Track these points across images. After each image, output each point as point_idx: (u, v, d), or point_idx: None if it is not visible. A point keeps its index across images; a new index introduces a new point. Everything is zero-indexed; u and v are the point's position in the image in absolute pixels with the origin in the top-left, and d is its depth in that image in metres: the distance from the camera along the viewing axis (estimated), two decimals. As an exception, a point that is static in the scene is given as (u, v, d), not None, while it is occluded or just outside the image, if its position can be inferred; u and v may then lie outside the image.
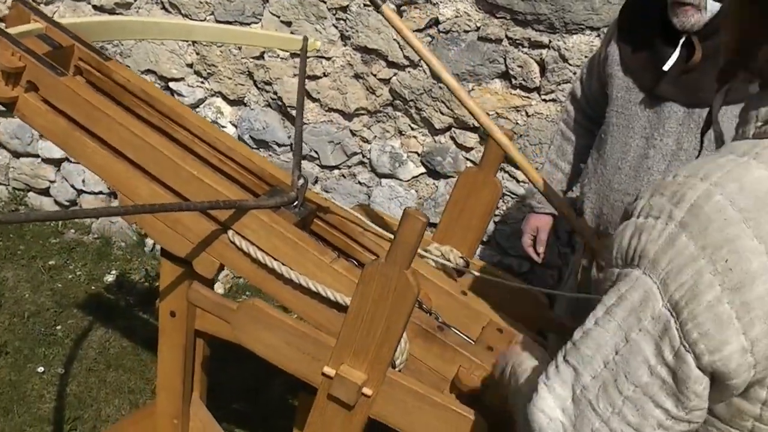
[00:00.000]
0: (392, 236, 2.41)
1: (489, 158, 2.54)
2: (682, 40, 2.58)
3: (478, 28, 3.88)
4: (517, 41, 3.82)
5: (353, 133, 4.37)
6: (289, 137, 4.54)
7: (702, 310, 1.25)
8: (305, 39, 3.05)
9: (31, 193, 5.75)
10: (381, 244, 2.44)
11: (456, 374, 2.10)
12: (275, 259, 2.14)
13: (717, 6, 2.49)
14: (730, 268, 1.24)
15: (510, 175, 4.06)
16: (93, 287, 4.92)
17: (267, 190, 2.37)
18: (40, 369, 4.18)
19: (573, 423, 1.38)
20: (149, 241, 5.27)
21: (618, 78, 2.76)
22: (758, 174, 1.29)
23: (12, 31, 2.40)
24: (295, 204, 2.27)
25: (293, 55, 4.29)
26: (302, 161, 2.50)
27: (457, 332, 2.25)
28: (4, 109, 4.64)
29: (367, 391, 1.92)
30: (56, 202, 5.64)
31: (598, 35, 3.63)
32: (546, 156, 3.16)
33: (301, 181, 2.31)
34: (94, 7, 4.85)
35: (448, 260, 2.50)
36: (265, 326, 2.01)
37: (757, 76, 1.41)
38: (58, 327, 4.54)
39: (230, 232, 2.19)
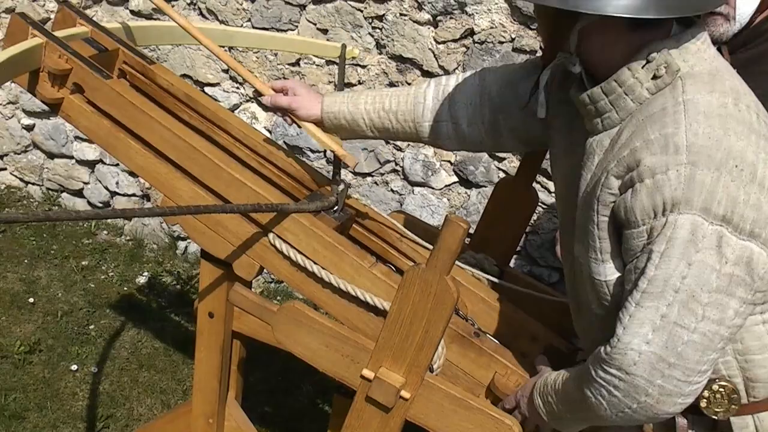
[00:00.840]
0: (428, 243, 2.46)
1: (525, 168, 2.57)
2: None
3: (513, 39, 3.91)
4: (551, 52, 3.84)
5: (387, 141, 4.40)
6: (324, 144, 4.57)
7: (742, 208, 1.61)
8: (343, 46, 3.09)
9: (64, 194, 5.82)
10: (418, 251, 2.47)
11: (491, 380, 2.13)
12: (315, 263, 2.17)
13: (747, 17, 2.50)
14: (741, 168, 1.62)
15: (541, 185, 4.07)
16: (125, 288, 4.98)
17: (307, 194, 2.40)
18: (74, 367, 4.24)
19: (664, 346, 1.66)
20: (181, 244, 5.32)
21: None
22: (702, 100, 1.68)
23: (59, 34, 2.45)
24: (335, 209, 2.31)
25: (329, 62, 4.33)
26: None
27: (492, 339, 2.28)
28: (47, 109, 4.72)
29: (405, 394, 1.95)
30: (89, 203, 5.70)
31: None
32: None
33: (341, 186, 2.35)
34: (132, 11, 4.92)
35: (483, 268, 2.53)
36: (305, 328, 2.04)
37: (575, 57, 1.82)
38: (91, 326, 4.60)
39: (271, 235, 2.23)
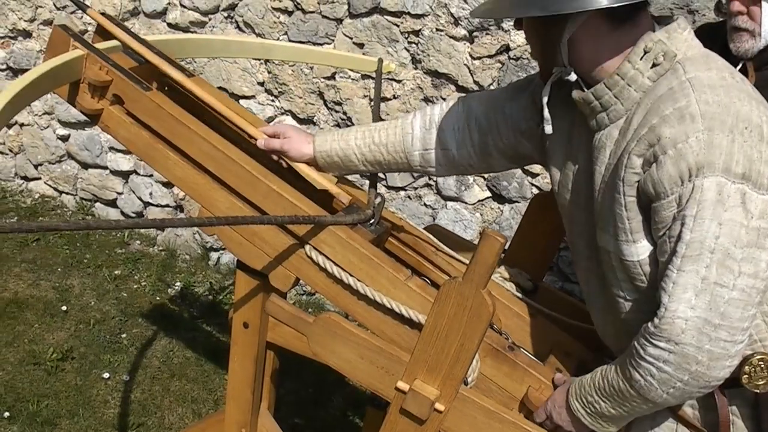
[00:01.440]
0: (463, 257, 2.46)
1: None
2: (738, 67, 2.58)
3: (548, 56, 3.91)
4: (586, 69, 3.84)
5: (420, 156, 4.41)
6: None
7: (757, 165, 1.73)
8: (380, 61, 3.10)
9: (98, 204, 5.88)
10: (453, 264, 2.47)
11: (525, 394, 2.13)
12: (351, 275, 2.18)
13: None
14: (750, 130, 1.74)
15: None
16: (157, 298, 5.01)
17: (344, 207, 2.41)
18: (105, 375, 4.27)
19: (708, 308, 1.73)
20: (213, 255, 5.35)
21: None
22: (703, 76, 1.80)
23: (99, 46, 2.47)
24: (371, 221, 2.32)
25: (364, 76, 4.35)
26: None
27: (526, 353, 2.28)
28: (83, 120, 4.77)
29: (439, 406, 1.95)
30: (123, 213, 5.76)
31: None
32: None
33: (378, 199, 2.36)
34: (169, 24, 4.98)
35: (518, 283, 2.53)
36: (341, 340, 2.05)
37: (569, 67, 1.92)
38: (123, 335, 4.63)
39: (307, 247, 2.24)
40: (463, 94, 2.50)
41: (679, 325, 1.74)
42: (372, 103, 4.41)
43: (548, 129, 2.04)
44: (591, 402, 1.98)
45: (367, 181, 2.53)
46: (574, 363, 2.32)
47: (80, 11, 5.35)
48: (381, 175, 4.46)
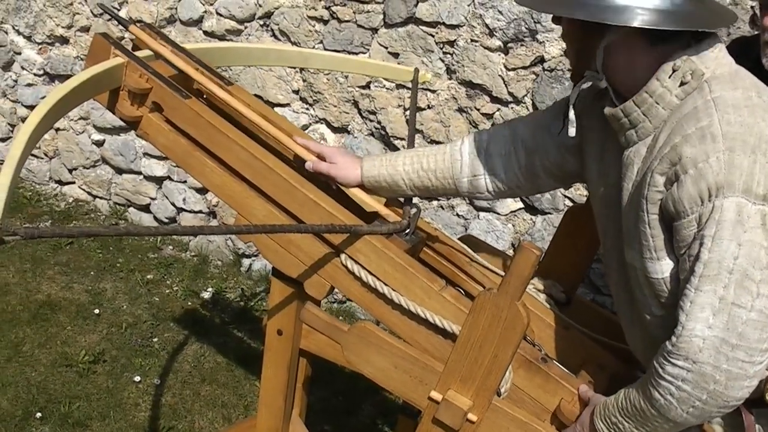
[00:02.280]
0: (497, 268, 2.47)
1: None
2: None
3: (583, 67, 3.91)
4: (621, 82, 3.84)
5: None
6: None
7: None
8: (416, 71, 3.11)
9: (131, 209, 5.93)
10: (487, 275, 2.48)
11: (557, 406, 2.13)
12: (385, 284, 2.19)
13: None
14: None
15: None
16: (189, 303, 5.05)
17: (379, 217, 2.42)
18: (137, 378, 4.30)
19: (725, 327, 1.72)
20: (245, 261, 5.38)
21: None
22: (729, 95, 1.81)
23: (139, 54, 2.50)
24: (406, 231, 2.33)
25: (398, 85, 4.36)
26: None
27: (559, 365, 2.28)
28: (117, 125, 4.81)
29: (472, 417, 1.96)
30: (156, 219, 5.80)
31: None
32: None
33: (414, 209, 2.37)
34: (205, 32, 5.01)
35: (551, 294, 2.53)
36: (375, 349, 2.06)
37: (601, 74, 1.95)
38: (155, 339, 4.66)
39: (343, 256, 2.25)
40: (510, 119, 2.51)
41: (696, 343, 1.75)
42: (407, 113, 4.43)
43: (571, 131, 2.06)
44: (615, 423, 1.98)
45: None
46: (607, 376, 2.32)
47: (117, 17, 5.40)
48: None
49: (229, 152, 2.35)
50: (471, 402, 1.96)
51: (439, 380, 1.99)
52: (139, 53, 2.50)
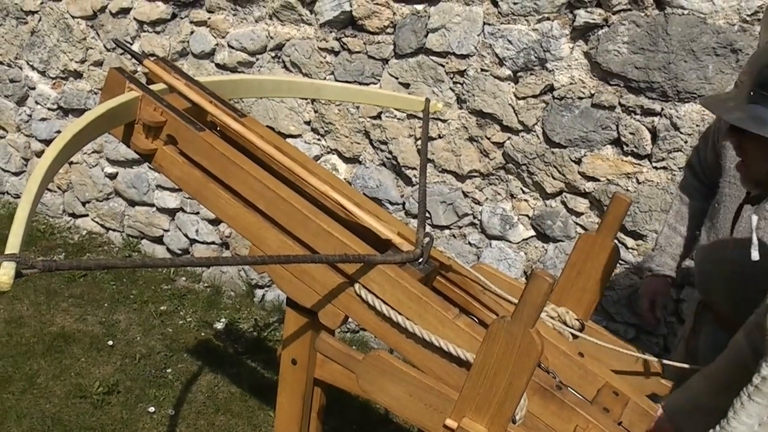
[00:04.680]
0: (510, 297, 2.47)
1: (608, 222, 2.58)
2: None
3: (592, 95, 3.94)
4: (630, 108, 3.85)
5: (465, 195, 4.44)
6: (402, 196, 4.63)
7: None
8: (427, 101, 3.13)
9: (144, 241, 5.96)
10: (501, 303, 2.49)
11: None
12: (399, 313, 2.20)
13: None
14: None
15: (619, 241, 4.07)
16: (203, 333, 5.06)
17: (393, 246, 2.43)
18: (151, 409, 4.30)
19: None
20: (259, 292, 5.39)
21: (731, 150, 2.77)
22: None
23: (154, 87, 2.53)
24: (420, 260, 2.34)
25: (409, 116, 4.39)
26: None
27: (574, 392, 2.28)
28: (130, 158, 4.85)
29: None
30: (169, 250, 5.82)
31: (710, 105, 3.66)
32: (665, 220, 3.18)
33: (427, 239, 2.38)
34: (217, 65, 5.06)
35: (565, 321, 2.54)
36: (390, 377, 2.07)
37: None
38: (169, 370, 4.67)
39: (357, 285, 2.26)
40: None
41: None
42: (418, 143, 4.45)
43: (755, 255, 2.26)
44: None
45: (415, 220, 2.55)
46: (622, 403, 2.32)
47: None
48: (427, 213, 4.49)
49: (243, 183, 2.37)
50: (486, 429, 1.96)
51: (454, 408, 1.99)
52: (153, 87, 2.53)
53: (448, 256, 2.64)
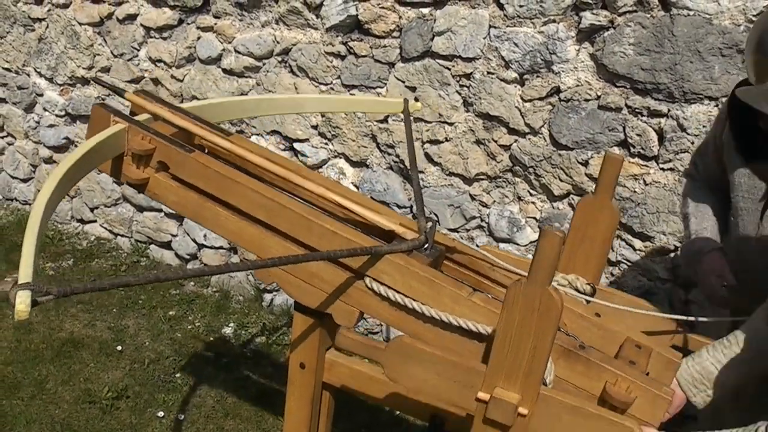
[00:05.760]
0: (519, 269, 2.48)
1: (603, 183, 2.58)
2: None
3: (599, 97, 3.94)
4: (636, 110, 3.85)
5: (473, 198, 4.44)
6: (410, 199, 4.63)
7: None
8: (406, 101, 3.20)
9: (152, 246, 5.97)
10: (511, 277, 2.49)
11: (603, 389, 2.10)
12: (414, 300, 2.20)
13: None
14: None
15: (627, 243, 4.07)
16: (211, 338, 5.07)
17: (396, 237, 2.43)
18: (160, 414, 4.32)
19: None
20: (267, 296, 5.40)
21: (739, 165, 2.74)
22: None
23: (139, 118, 2.57)
24: (425, 246, 2.34)
25: (416, 119, 4.40)
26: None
27: (597, 350, 2.26)
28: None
29: (522, 410, 1.94)
30: (177, 255, 5.84)
31: (716, 105, 3.64)
32: (681, 210, 3.13)
33: (429, 224, 2.39)
34: (224, 70, 5.07)
35: (576, 288, 2.54)
36: (416, 361, 2.05)
37: None
38: (177, 375, 4.68)
39: (367, 279, 2.27)
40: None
41: None
42: (425, 146, 4.46)
43: None
44: None
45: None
46: (646, 355, 2.30)
47: (137, 58, 5.47)
48: (433, 216, 4.49)
49: (241, 197, 2.39)
50: (519, 396, 1.95)
51: (484, 380, 1.97)
52: (137, 117, 2.57)
53: (452, 238, 2.64)
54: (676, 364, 2.32)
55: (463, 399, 2.03)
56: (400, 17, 4.32)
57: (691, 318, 2.67)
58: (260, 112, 3.21)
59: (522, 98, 4.11)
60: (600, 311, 2.47)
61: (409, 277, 2.21)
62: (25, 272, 1.59)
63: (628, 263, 4.14)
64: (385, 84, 4.46)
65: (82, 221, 6.31)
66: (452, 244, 2.57)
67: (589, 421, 1.95)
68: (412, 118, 4.41)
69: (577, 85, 3.95)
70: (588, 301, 2.53)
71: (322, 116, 4.77)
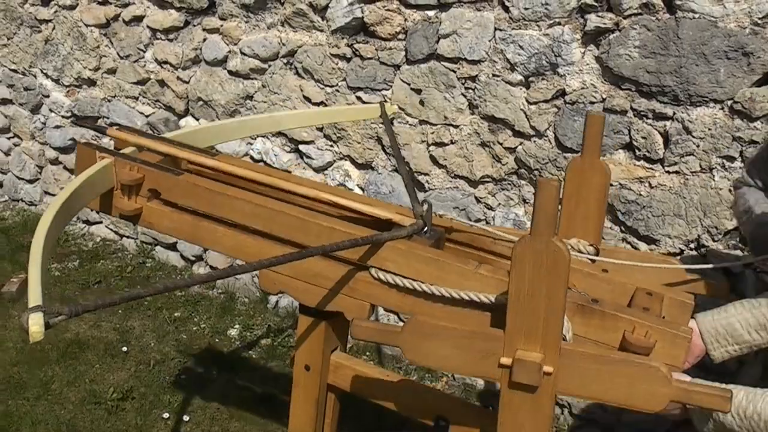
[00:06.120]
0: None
1: (589, 143, 2.57)
2: None
3: (604, 100, 3.93)
4: (642, 113, 3.85)
5: (478, 200, 4.44)
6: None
7: None
8: (382, 105, 3.27)
9: (158, 247, 5.98)
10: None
11: (622, 339, 2.09)
12: (422, 282, 2.21)
13: None
14: None
15: (632, 246, 4.07)
16: (216, 339, 5.08)
17: (395, 225, 2.44)
18: (165, 415, 4.33)
19: None
20: (272, 298, 5.41)
21: None
22: None
23: (124, 150, 2.60)
24: (425, 229, 2.35)
25: (422, 121, 4.40)
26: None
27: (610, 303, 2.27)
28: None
29: (547, 368, 1.94)
30: (182, 257, 5.85)
31: (722, 108, 3.64)
32: (737, 209, 3.09)
33: (425, 206, 2.39)
34: (230, 72, 5.08)
35: (579, 250, 2.54)
36: (434, 338, 2.04)
37: None
38: (183, 376, 4.69)
39: (372, 270, 2.28)
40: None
41: None
42: (430, 148, 4.46)
43: None
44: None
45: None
46: (658, 300, 2.30)
47: (143, 60, 5.49)
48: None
49: (235, 210, 2.41)
50: (542, 354, 1.94)
51: (504, 345, 1.97)
52: (122, 151, 2.60)
53: (449, 218, 2.65)
54: (690, 306, 2.33)
55: (488, 368, 2.02)
56: (406, 20, 4.33)
57: (701, 266, 2.63)
58: (241, 134, 3.25)
59: (527, 101, 4.11)
60: (607, 267, 2.48)
61: (414, 260, 2.22)
62: (35, 296, 1.61)
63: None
64: (391, 86, 4.47)
65: (88, 222, 6.32)
66: (450, 225, 2.58)
67: (616, 367, 1.94)
68: (417, 120, 4.43)
69: (583, 88, 3.96)
70: (593, 261, 2.53)
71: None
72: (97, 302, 1.61)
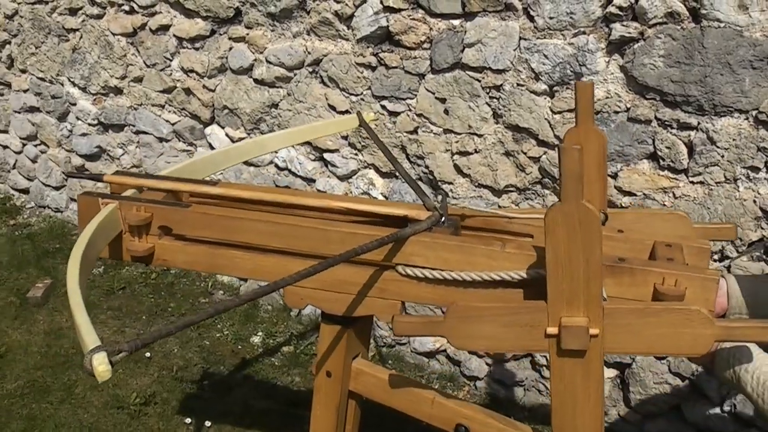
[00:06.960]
0: (536, 215, 2.51)
1: (582, 111, 2.57)
2: None
3: (628, 109, 3.92)
4: (666, 122, 3.84)
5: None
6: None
7: None
8: (359, 114, 3.35)
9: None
10: (532, 224, 2.52)
11: (654, 291, 2.11)
12: (451, 271, 2.22)
13: None
14: None
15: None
16: (239, 347, 5.09)
17: (412, 220, 2.44)
18: (188, 420, 4.35)
19: None
20: (295, 306, 5.41)
21: None
22: None
23: (126, 193, 2.61)
24: (443, 219, 2.36)
25: (446, 130, 4.40)
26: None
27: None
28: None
29: (593, 331, 1.97)
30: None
31: (747, 118, 3.62)
32: None
33: (440, 196, 2.40)
34: (255, 80, 5.11)
35: None
36: (477, 320, 2.06)
37: None
38: (205, 382, 4.71)
39: (399, 268, 2.29)
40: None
41: None
42: (454, 157, 4.46)
43: None
44: None
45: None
46: (679, 250, 2.31)
47: (169, 68, 5.52)
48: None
49: (251, 232, 2.41)
50: (586, 317, 1.97)
51: (548, 315, 1.99)
52: (125, 192, 2.61)
53: (461, 206, 2.67)
54: (708, 250, 2.37)
55: (535, 340, 2.05)
56: (431, 29, 4.34)
57: (714, 224, 2.68)
58: (229, 163, 3.26)
59: (551, 110, 4.11)
60: (621, 227, 2.50)
61: (440, 250, 2.24)
62: (91, 338, 1.63)
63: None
64: (415, 95, 4.47)
65: (113, 229, 6.36)
66: (462, 212, 2.59)
67: (658, 318, 1.97)
68: (442, 129, 4.43)
69: (607, 97, 3.95)
70: (603, 223, 2.52)
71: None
72: (153, 335, 1.64)
